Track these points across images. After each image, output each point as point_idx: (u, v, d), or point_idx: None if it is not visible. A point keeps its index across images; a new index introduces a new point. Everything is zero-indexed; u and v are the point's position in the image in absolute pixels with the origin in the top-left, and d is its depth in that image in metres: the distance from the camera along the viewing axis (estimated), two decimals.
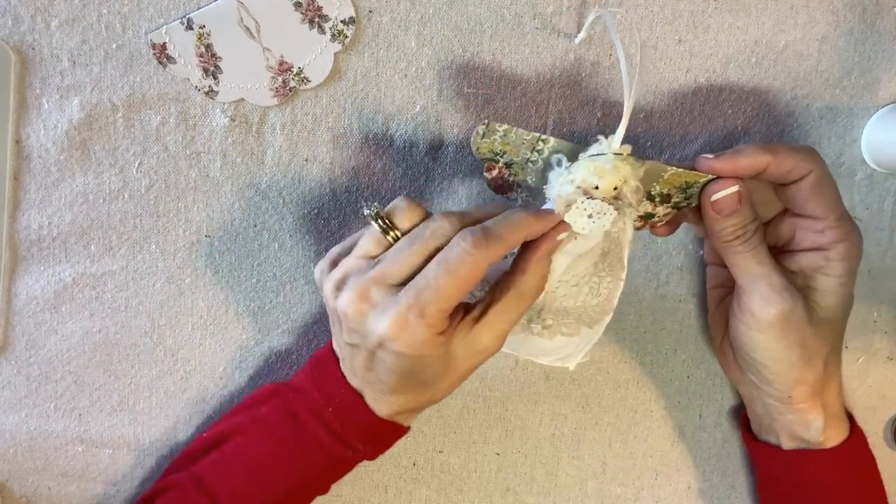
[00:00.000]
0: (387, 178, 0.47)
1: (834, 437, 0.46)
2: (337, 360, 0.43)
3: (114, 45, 0.44)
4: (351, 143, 0.47)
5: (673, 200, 0.42)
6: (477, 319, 0.39)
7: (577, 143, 0.39)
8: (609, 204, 0.38)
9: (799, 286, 0.42)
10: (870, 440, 0.48)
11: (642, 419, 0.52)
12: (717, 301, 0.49)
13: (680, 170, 0.40)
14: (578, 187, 0.38)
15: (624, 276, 0.43)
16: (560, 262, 0.41)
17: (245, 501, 0.43)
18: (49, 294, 0.47)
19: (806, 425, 0.46)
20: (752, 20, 0.46)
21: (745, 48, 0.47)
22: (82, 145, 0.45)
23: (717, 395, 0.52)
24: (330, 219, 0.48)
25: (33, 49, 0.44)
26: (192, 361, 0.49)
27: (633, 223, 0.42)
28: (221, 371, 0.50)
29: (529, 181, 0.41)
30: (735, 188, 0.40)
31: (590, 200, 0.38)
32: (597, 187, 0.38)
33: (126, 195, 0.46)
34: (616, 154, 0.38)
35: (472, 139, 0.39)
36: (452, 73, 0.46)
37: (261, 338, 0.49)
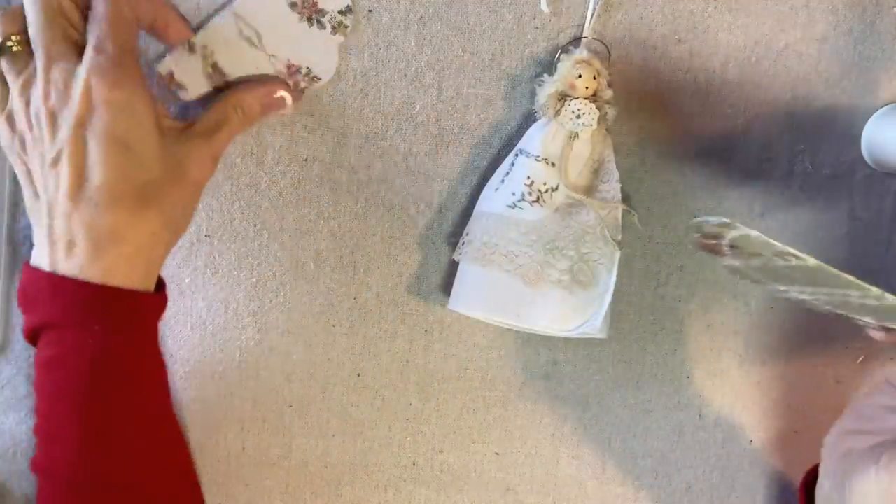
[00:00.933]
0: (387, 177, 0.47)
1: None
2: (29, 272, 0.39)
3: None
4: (351, 143, 0.47)
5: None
6: (191, 128, 0.41)
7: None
8: (590, 102, 0.43)
9: None
10: None
11: (642, 419, 0.52)
12: None
13: None
14: (560, 91, 0.43)
15: (617, 185, 0.46)
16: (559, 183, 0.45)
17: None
18: None
19: None
20: (752, 20, 0.46)
21: (745, 48, 0.47)
22: None
23: (717, 395, 0.52)
24: (330, 219, 0.48)
25: None
26: (192, 361, 0.49)
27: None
28: (221, 371, 0.50)
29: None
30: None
31: (574, 100, 0.43)
32: (580, 76, 0.43)
33: None
34: (582, 39, 0.44)
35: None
36: (452, 73, 0.46)
37: (261, 338, 0.49)
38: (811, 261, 0.37)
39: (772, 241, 0.36)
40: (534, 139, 0.45)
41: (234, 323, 0.49)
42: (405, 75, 0.46)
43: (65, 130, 0.37)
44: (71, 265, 0.38)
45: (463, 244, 0.46)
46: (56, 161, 0.37)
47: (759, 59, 0.47)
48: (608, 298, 0.46)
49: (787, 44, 0.47)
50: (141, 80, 0.38)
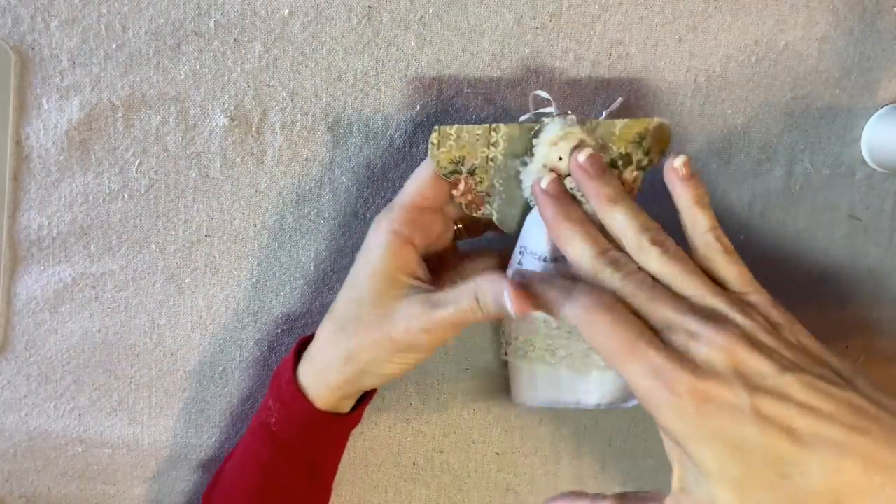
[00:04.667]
0: (387, 177, 0.47)
1: None
2: (295, 361, 0.44)
3: (114, 45, 0.44)
4: (351, 143, 0.47)
5: (635, 160, 0.40)
6: (428, 293, 0.40)
7: (523, 122, 0.40)
8: None
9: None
10: None
11: (642, 419, 0.52)
12: None
13: (627, 120, 0.40)
14: (545, 166, 0.39)
15: None
16: None
17: None
18: (49, 294, 0.47)
19: None
20: (752, 20, 0.46)
21: (745, 48, 0.47)
22: (82, 145, 0.45)
23: None
24: (330, 219, 0.48)
25: (33, 49, 0.44)
26: (192, 361, 0.49)
27: None
28: (221, 371, 0.50)
29: (497, 184, 0.40)
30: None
31: (567, 177, 0.39)
32: (560, 158, 0.39)
33: (126, 195, 0.46)
34: (560, 115, 0.39)
35: (429, 153, 0.39)
36: (452, 73, 0.46)
37: (261, 338, 0.49)
38: (501, 126, 0.39)
39: (473, 125, 0.38)
40: (534, 236, 0.40)
41: (234, 323, 0.49)
42: (405, 75, 0.46)
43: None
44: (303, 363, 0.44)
45: (505, 343, 0.45)
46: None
47: (759, 59, 0.47)
48: None
49: (787, 44, 0.47)
50: (401, 237, 0.40)
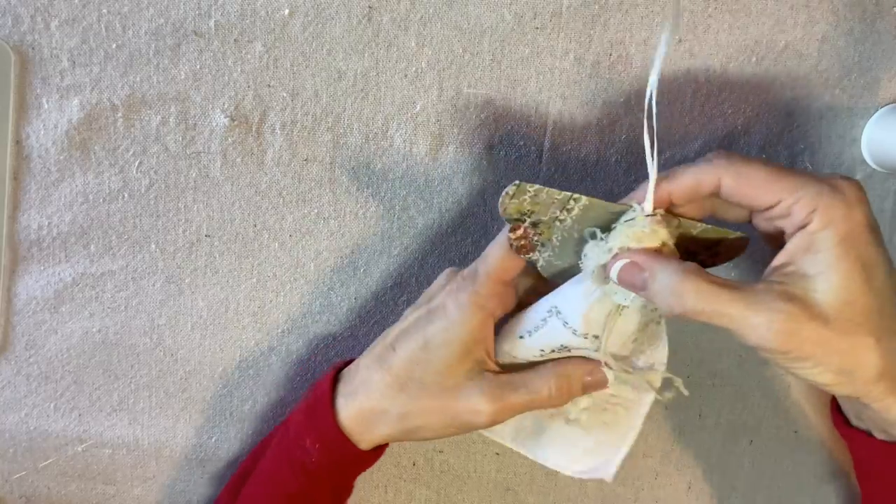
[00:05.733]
0: (387, 177, 0.47)
1: None
2: (333, 393, 0.43)
3: (114, 45, 0.44)
4: (351, 143, 0.47)
5: (698, 258, 0.39)
6: (497, 374, 0.40)
7: (608, 201, 0.38)
8: None
9: (793, 279, 0.35)
10: None
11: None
12: None
13: (709, 227, 0.38)
14: (618, 249, 0.37)
15: (664, 357, 0.41)
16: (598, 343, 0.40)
17: None
18: (49, 294, 0.47)
19: (886, 420, 0.38)
20: (752, 20, 0.46)
21: (745, 48, 0.47)
22: (82, 145, 0.45)
23: (717, 395, 0.52)
24: (330, 219, 0.48)
25: (33, 49, 0.44)
26: (192, 361, 0.49)
27: None
28: (221, 371, 0.50)
29: (555, 239, 0.39)
30: (623, 261, 0.36)
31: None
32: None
33: (126, 195, 0.46)
34: (651, 216, 0.37)
35: (500, 200, 0.38)
36: (452, 73, 0.46)
37: (261, 338, 0.49)
38: (583, 198, 0.37)
39: (556, 190, 0.37)
40: (574, 307, 0.39)
41: (234, 323, 0.49)
42: (405, 75, 0.46)
43: (428, 300, 0.42)
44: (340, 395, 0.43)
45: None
46: (409, 315, 0.43)
47: (759, 59, 0.47)
48: (625, 450, 0.43)
49: (787, 44, 0.47)
50: (485, 310, 0.40)
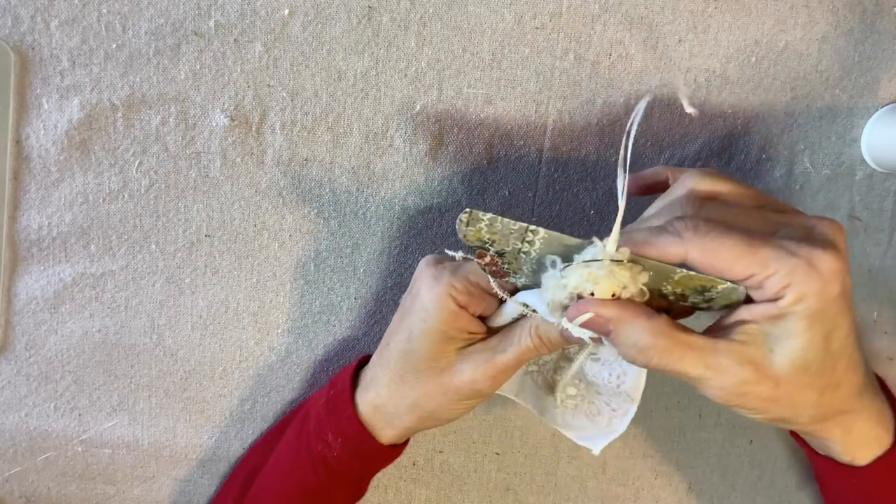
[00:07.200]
0: (387, 177, 0.47)
1: (863, 456, 0.40)
2: (353, 388, 0.44)
3: (114, 45, 0.44)
4: (351, 143, 0.47)
5: (690, 301, 0.37)
6: (483, 341, 0.41)
7: (569, 236, 0.35)
8: None
9: (754, 340, 0.34)
10: None
11: (642, 419, 0.52)
12: None
13: (691, 272, 0.35)
14: (572, 293, 0.35)
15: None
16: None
17: None
18: (49, 294, 0.47)
19: (824, 446, 0.41)
20: (752, 20, 0.46)
21: (745, 48, 0.47)
22: (82, 145, 0.45)
23: None
24: (330, 219, 0.48)
25: (33, 49, 0.44)
26: (192, 361, 0.49)
27: None
28: (221, 371, 0.50)
29: (525, 269, 0.38)
30: (585, 316, 0.34)
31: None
32: (592, 294, 0.34)
33: (126, 195, 0.46)
34: (612, 260, 0.34)
35: (457, 227, 0.36)
36: (452, 73, 0.46)
37: (261, 338, 0.49)
38: (541, 231, 0.35)
39: (510, 220, 0.35)
40: (542, 311, 0.38)
41: (234, 323, 0.49)
42: (405, 75, 0.46)
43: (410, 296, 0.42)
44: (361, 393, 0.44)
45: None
46: (400, 307, 0.43)
47: (759, 59, 0.47)
48: (613, 436, 0.43)
49: (787, 44, 0.47)
50: (458, 302, 0.40)
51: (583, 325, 0.35)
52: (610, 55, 0.46)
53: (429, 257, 0.42)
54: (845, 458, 0.41)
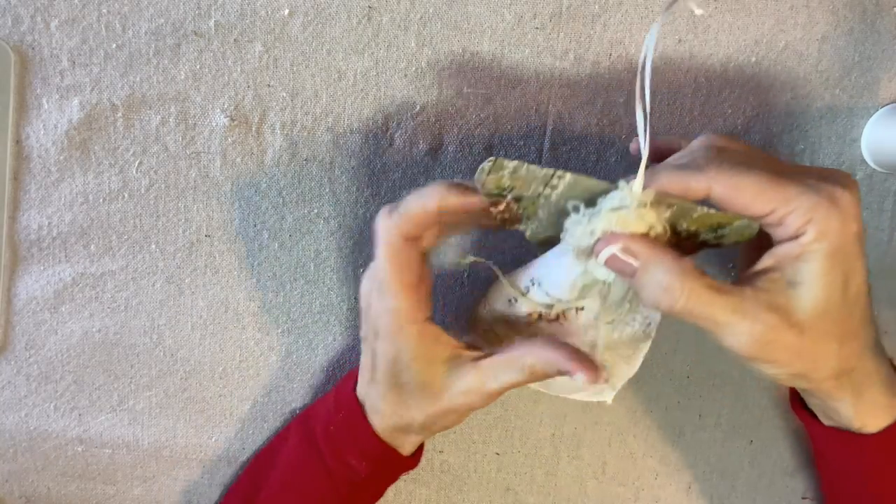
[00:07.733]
0: (387, 178, 0.47)
1: (873, 423, 0.40)
2: (362, 408, 0.44)
3: (114, 45, 0.44)
4: (351, 143, 0.47)
5: (701, 238, 0.37)
6: (474, 361, 0.40)
7: (595, 179, 0.36)
8: None
9: (778, 287, 0.35)
10: None
11: (642, 419, 0.52)
12: None
13: (711, 210, 0.36)
14: (603, 231, 0.35)
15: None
16: (591, 305, 0.39)
17: None
18: (49, 294, 0.47)
19: (835, 410, 0.40)
20: (752, 20, 0.46)
21: (745, 48, 0.47)
22: (82, 145, 0.45)
23: (717, 395, 0.52)
24: (330, 219, 0.48)
25: (33, 49, 0.44)
26: (192, 361, 0.49)
27: None
28: (221, 371, 0.50)
29: (541, 213, 0.38)
30: (613, 248, 0.34)
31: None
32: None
33: (126, 195, 0.46)
34: (639, 202, 0.35)
35: (476, 176, 0.36)
36: (452, 73, 0.46)
37: (261, 337, 0.49)
38: (568, 174, 0.35)
39: (536, 166, 0.35)
40: (556, 279, 0.39)
41: (234, 323, 0.49)
42: (405, 75, 0.46)
43: (368, 324, 0.42)
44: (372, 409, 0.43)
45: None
46: (363, 343, 0.43)
47: (759, 59, 0.47)
48: (610, 393, 0.43)
49: (787, 44, 0.47)
50: (416, 325, 0.40)
51: (608, 265, 0.35)
52: (610, 55, 0.46)
53: (365, 275, 0.41)
54: (855, 424, 0.40)
